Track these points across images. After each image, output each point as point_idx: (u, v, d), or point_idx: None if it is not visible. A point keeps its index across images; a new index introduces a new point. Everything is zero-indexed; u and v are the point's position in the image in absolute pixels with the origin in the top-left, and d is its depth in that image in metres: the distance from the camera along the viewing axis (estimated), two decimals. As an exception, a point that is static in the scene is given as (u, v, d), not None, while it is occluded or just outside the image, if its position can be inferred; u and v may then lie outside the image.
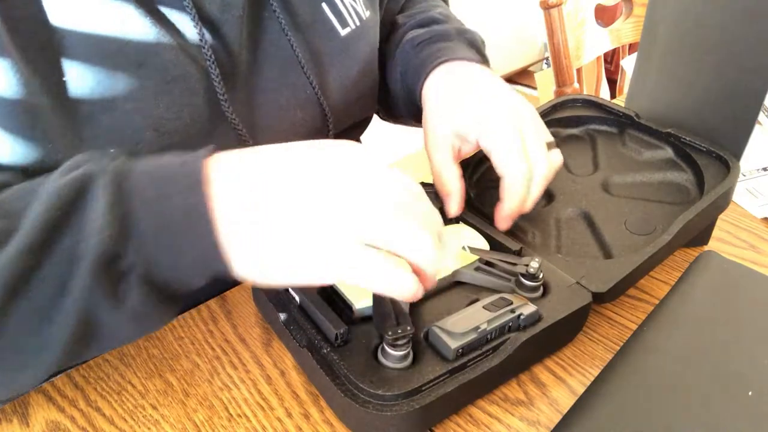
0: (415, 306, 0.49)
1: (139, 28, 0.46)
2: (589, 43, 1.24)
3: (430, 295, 0.50)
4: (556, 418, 0.42)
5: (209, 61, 0.49)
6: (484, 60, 0.65)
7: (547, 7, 1.15)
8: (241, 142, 0.53)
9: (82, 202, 0.36)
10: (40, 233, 0.35)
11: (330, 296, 0.49)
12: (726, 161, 0.60)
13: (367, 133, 0.79)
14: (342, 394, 0.41)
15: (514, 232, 0.55)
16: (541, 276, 0.49)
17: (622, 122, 0.69)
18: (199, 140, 0.50)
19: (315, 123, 0.59)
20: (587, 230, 0.58)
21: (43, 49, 0.43)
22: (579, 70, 1.26)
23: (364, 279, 0.36)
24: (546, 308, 0.47)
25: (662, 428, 0.38)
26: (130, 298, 0.36)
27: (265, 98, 0.55)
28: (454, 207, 0.55)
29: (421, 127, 0.62)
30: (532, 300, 0.47)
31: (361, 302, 0.47)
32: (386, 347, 0.43)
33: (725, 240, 0.63)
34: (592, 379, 0.42)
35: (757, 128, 0.74)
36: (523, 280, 0.49)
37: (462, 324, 0.44)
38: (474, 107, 0.55)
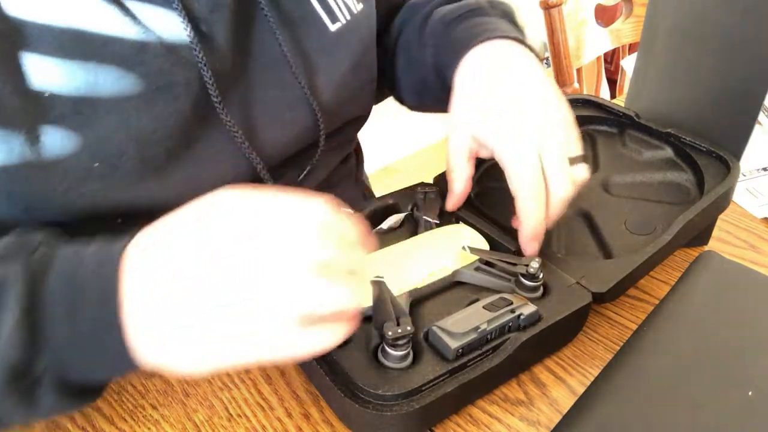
0: (415, 306, 0.49)
1: (122, 28, 0.45)
2: (589, 43, 1.24)
3: (430, 295, 0.50)
4: (556, 418, 0.42)
5: (201, 63, 0.48)
6: (519, 31, 0.62)
7: (547, 7, 1.15)
8: (236, 147, 0.52)
9: None
10: None
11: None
12: (726, 161, 0.60)
13: (367, 133, 0.78)
14: (342, 394, 0.41)
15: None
16: (541, 276, 0.49)
17: (622, 122, 0.69)
18: (186, 149, 0.49)
19: (305, 123, 0.58)
20: (587, 230, 0.58)
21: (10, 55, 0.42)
22: (579, 70, 1.26)
23: (290, 351, 0.35)
24: (546, 308, 0.47)
25: (662, 428, 0.38)
26: (45, 400, 0.37)
27: (255, 99, 0.54)
28: (451, 204, 0.56)
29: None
30: (532, 300, 0.47)
31: (361, 302, 0.47)
32: (386, 347, 0.43)
33: (725, 240, 0.63)
34: (592, 379, 0.42)
35: (757, 128, 0.74)
36: (523, 280, 0.49)
37: (462, 324, 0.44)
38: (496, 115, 0.53)
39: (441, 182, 0.61)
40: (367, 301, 0.44)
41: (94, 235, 0.48)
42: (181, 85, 0.47)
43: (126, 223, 0.49)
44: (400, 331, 0.42)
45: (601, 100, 0.71)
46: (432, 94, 0.68)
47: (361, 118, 0.68)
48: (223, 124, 0.51)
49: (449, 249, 0.52)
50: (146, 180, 0.48)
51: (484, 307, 0.46)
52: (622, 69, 1.51)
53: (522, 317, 0.45)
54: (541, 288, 0.49)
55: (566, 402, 0.47)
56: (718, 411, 0.39)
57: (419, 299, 0.49)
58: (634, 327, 0.49)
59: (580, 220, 0.59)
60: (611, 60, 2.19)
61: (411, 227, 0.58)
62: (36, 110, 0.43)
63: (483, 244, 0.53)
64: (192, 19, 0.48)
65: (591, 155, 0.67)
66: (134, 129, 0.46)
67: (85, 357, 0.37)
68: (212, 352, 0.35)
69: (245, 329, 0.34)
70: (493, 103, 0.53)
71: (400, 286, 0.48)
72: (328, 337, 0.35)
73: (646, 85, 0.67)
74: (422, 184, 0.61)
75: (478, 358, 0.44)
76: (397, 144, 2.58)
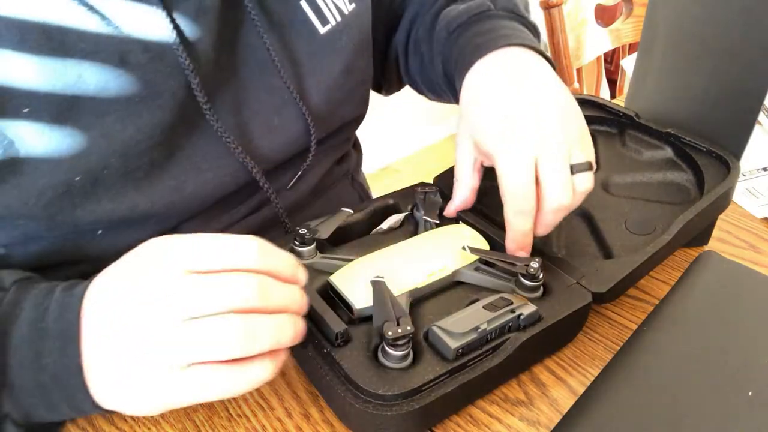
0: (415, 306, 0.49)
1: (98, 30, 0.44)
2: (589, 43, 1.24)
3: (430, 295, 0.50)
4: (556, 418, 0.42)
5: (188, 69, 0.47)
6: (527, 29, 0.61)
7: (547, 7, 1.15)
8: (227, 152, 0.51)
9: None
10: None
11: (330, 296, 0.49)
12: (726, 161, 0.60)
13: (367, 133, 0.78)
14: (342, 394, 0.41)
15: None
16: (541, 276, 0.49)
17: (622, 122, 0.69)
18: (171, 158, 0.49)
19: (296, 128, 0.57)
20: (587, 230, 0.58)
21: None
22: (579, 70, 1.26)
23: (224, 390, 0.36)
24: (546, 308, 0.47)
25: (662, 428, 0.38)
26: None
27: (244, 105, 0.53)
28: (451, 209, 0.57)
29: None
30: (532, 300, 0.47)
31: (361, 302, 0.47)
32: (386, 347, 0.43)
33: (725, 240, 0.63)
34: (592, 379, 0.42)
35: (757, 128, 0.74)
36: (523, 280, 0.49)
37: (462, 324, 0.44)
38: (497, 123, 0.51)
39: (441, 182, 0.61)
40: (338, 325, 0.44)
41: (73, 245, 0.48)
42: (166, 94, 0.46)
43: (106, 234, 0.49)
44: (400, 331, 0.42)
45: (601, 100, 0.71)
46: (446, 96, 0.69)
47: (356, 120, 0.67)
48: (213, 130, 0.50)
49: (449, 249, 0.52)
50: (129, 191, 0.47)
51: (484, 307, 0.46)
52: (622, 69, 1.51)
53: (522, 317, 0.45)
54: (541, 288, 0.49)
55: (566, 402, 0.47)
56: (718, 411, 0.39)
57: (419, 299, 0.49)
58: (634, 327, 0.49)
59: (580, 220, 0.59)
60: (611, 60, 2.19)
61: (411, 227, 0.58)
62: (6, 109, 0.42)
63: (483, 244, 0.53)
64: (177, 25, 0.47)
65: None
66: (117, 141, 0.45)
67: (48, 401, 0.38)
68: (156, 393, 0.36)
69: (176, 372, 0.35)
70: (496, 112, 0.52)
71: (400, 286, 0.48)
72: (259, 374, 0.36)
73: (646, 85, 0.67)
74: (422, 184, 0.61)
75: (478, 358, 0.44)
76: (397, 144, 2.58)
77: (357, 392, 0.41)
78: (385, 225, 0.58)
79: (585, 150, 0.51)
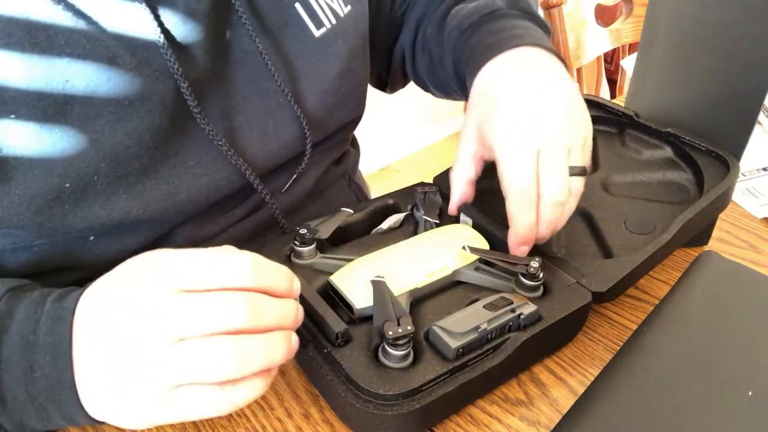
0: (415, 306, 0.49)
1: (95, 33, 0.43)
2: (589, 43, 1.24)
3: (430, 295, 0.50)
4: (556, 418, 0.42)
5: (177, 74, 0.46)
6: (538, 27, 0.61)
7: (547, 7, 1.15)
8: (220, 155, 0.51)
9: None
10: None
11: (330, 296, 0.49)
12: (726, 161, 0.60)
13: (367, 133, 0.78)
14: (342, 394, 0.41)
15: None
16: (541, 276, 0.49)
17: (622, 122, 0.69)
18: (163, 163, 0.48)
19: (291, 132, 0.56)
20: (587, 230, 0.58)
21: None
22: (579, 70, 1.26)
23: (211, 409, 0.36)
24: (546, 308, 0.47)
25: (662, 428, 0.38)
26: None
27: (237, 109, 0.52)
28: (452, 206, 0.56)
29: None
30: (532, 300, 0.47)
31: (361, 302, 0.47)
32: (387, 347, 0.43)
33: (725, 240, 0.63)
34: (592, 379, 0.42)
35: (757, 128, 0.74)
36: (523, 279, 0.49)
37: (462, 323, 0.44)
38: (505, 124, 0.51)
39: (441, 182, 0.61)
40: (338, 325, 0.44)
41: (64, 252, 0.48)
42: (155, 98, 0.46)
43: (98, 241, 0.48)
44: (400, 330, 0.42)
45: (601, 100, 0.71)
46: (455, 94, 0.68)
47: (353, 122, 0.67)
48: (205, 134, 0.49)
49: (449, 249, 0.52)
50: (120, 197, 0.47)
51: (484, 307, 0.46)
52: (622, 69, 1.51)
53: (522, 317, 0.45)
54: (541, 288, 0.49)
55: (566, 402, 0.47)
56: (718, 411, 0.39)
57: (419, 299, 0.49)
58: (634, 327, 0.49)
59: (580, 220, 0.59)
60: (611, 60, 2.19)
61: (411, 227, 0.58)
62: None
63: (483, 244, 0.53)
64: (165, 28, 0.46)
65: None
66: (107, 146, 0.45)
67: (41, 413, 0.38)
68: (146, 409, 0.36)
69: (166, 390, 0.35)
70: (505, 110, 0.52)
71: (400, 286, 0.48)
72: (250, 393, 0.36)
73: (646, 85, 0.67)
74: (422, 184, 0.61)
75: (479, 358, 0.44)
76: (397, 144, 2.58)
77: (357, 392, 0.41)
78: (385, 225, 0.58)
79: (584, 153, 0.52)
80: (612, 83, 1.99)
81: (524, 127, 0.50)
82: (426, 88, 0.76)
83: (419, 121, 2.64)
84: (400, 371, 0.42)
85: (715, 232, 0.62)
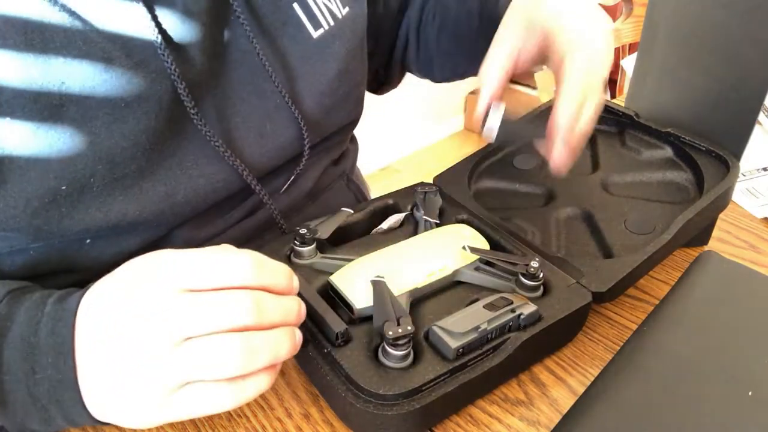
0: (415, 306, 0.49)
1: (90, 34, 0.43)
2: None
3: (430, 295, 0.50)
4: (556, 418, 0.42)
5: (174, 74, 0.46)
6: None
7: (547, 7, 1.14)
8: (218, 157, 0.51)
9: None
10: None
11: (330, 296, 0.49)
12: (726, 161, 0.60)
13: (368, 133, 0.78)
14: (342, 394, 0.41)
15: (515, 232, 0.55)
16: (541, 276, 0.49)
17: (622, 122, 0.69)
18: (160, 165, 0.48)
19: (289, 134, 0.56)
20: (587, 230, 0.58)
21: None
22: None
23: (218, 405, 0.37)
24: (546, 308, 0.47)
25: (662, 428, 0.38)
26: None
27: (234, 110, 0.52)
28: (483, 100, 0.55)
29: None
30: (532, 300, 0.47)
31: (361, 302, 0.47)
32: (387, 347, 0.43)
33: (725, 240, 0.63)
34: (592, 379, 0.42)
35: (757, 128, 0.74)
36: (523, 279, 0.49)
37: (462, 323, 0.44)
38: (580, 25, 0.53)
39: (441, 182, 0.61)
40: (338, 325, 0.44)
41: (61, 255, 0.48)
42: (152, 99, 0.46)
43: (95, 243, 0.48)
44: (400, 330, 0.42)
45: (601, 100, 0.71)
46: (466, 61, 0.69)
47: (351, 123, 0.67)
48: (202, 135, 0.49)
49: (449, 249, 0.52)
50: (117, 199, 0.46)
51: (484, 307, 0.46)
52: (622, 69, 1.51)
53: (522, 317, 0.45)
54: (541, 288, 0.49)
55: (566, 402, 0.47)
56: (718, 411, 0.39)
57: (419, 299, 0.49)
58: (634, 327, 0.49)
59: (580, 219, 0.59)
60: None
61: (411, 227, 0.58)
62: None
63: (483, 244, 0.53)
64: (162, 28, 0.46)
65: (591, 155, 0.68)
66: (103, 147, 0.44)
67: (43, 415, 0.38)
68: (151, 408, 0.36)
69: (172, 389, 0.35)
70: (577, 14, 0.54)
71: (400, 286, 0.48)
72: (256, 387, 0.37)
73: (646, 85, 0.67)
74: (422, 184, 0.61)
75: (479, 358, 0.44)
76: (397, 144, 2.58)
77: (357, 392, 0.41)
78: (385, 225, 0.58)
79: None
80: (612, 83, 1.99)
81: (594, 40, 0.52)
82: (428, 70, 0.76)
83: (419, 121, 2.64)
84: (400, 371, 0.42)
85: (715, 232, 0.62)
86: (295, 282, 0.40)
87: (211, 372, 0.35)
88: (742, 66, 0.58)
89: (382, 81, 0.79)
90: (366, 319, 0.47)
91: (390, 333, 0.42)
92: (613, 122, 0.70)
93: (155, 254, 0.38)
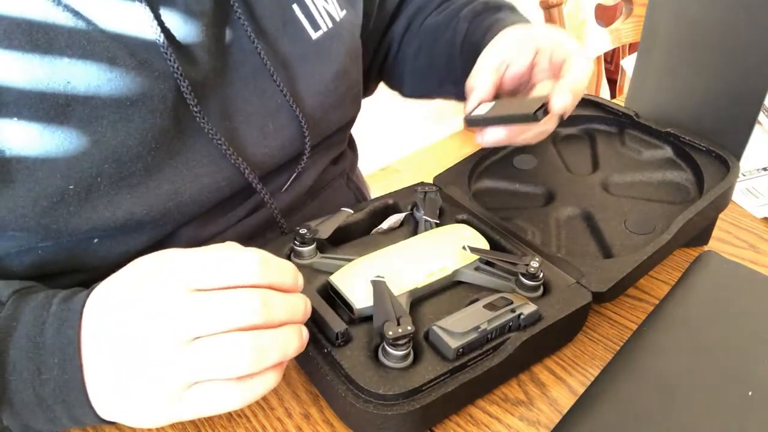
0: (415, 306, 0.49)
1: (95, 34, 0.43)
2: (589, 43, 1.24)
3: (430, 295, 0.50)
4: (556, 418, 0.42)
5: (177, 73, 0.46)
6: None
7: (547, 7, 1.15)
8: (221, 155, 0.51)
9: None
10: None
11: (330, 296, 0.49)
12: (726, 161, 0.60)
13: (367, 133, 0.78)
14: (342, 393, 0.41)
15: (515, 232, 0.55)
16: (541, 276, 0.49)
17: (622, 122, 0.69)
18: (167, 163, 0.48)
19: (290, 132, 0.57)
20: (587, 230, 0.58)
21: None
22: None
23: (226, 405, 0.37)
24: (546, 308, 0.47)
25: (662, 428, 0.38)
26: None
27: (236, 109, 0.53)
28: (470, 104, 0.57)
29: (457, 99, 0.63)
30: (532, 300, 0.47)
31: (361, 302, 0.47)
32: (387, 347, 0.43)
33: (725, 240, 0.63)
34: (592, 379, 0.42)
35: (757, 128, 0.74)
36: (523, 279, 0.49)
37: (462, 323, 0.44)
38: (562, 37, 0.58)
39: (441, 182, 0.61)
40: (338, 325, 0.44)
41: (69, 255, 0.48)
42: (156, 98, 0.46)
43: (102, 242, 0.48)
44: (400, 330, 0.42)
45: (600, 100, 0.71)
46: (442, 75, 0.71)
47: (349, 123, 0.67)
48: (205, 133, 0.50)
49: (449, 249, 0.52)
50: (124, 198, 0.47)
51: (484, 307, 0.46)
52: (622, 69, 1.51)
53: (522, 317, 0.45)
54: (541, 288, 0.49)
55: (566, 402, 0.47)
56: (718, 411, 0.39)
57: (419, 299, 0.49)
58: (634, 327, 0.49)
59: (580, 219, 0.59)
60: (611, 60, 2.19)
61: (411, 227, 0.58)
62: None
63: (483, 244, 0.53)
64: (165, 27, 0.47)
65: (591, 155, 0.68)
66: (110, 146, 0.45)
67: (49, 414, 0.38)
68: (158, 408, 0.36)
69: (180, 389, 0.35)
70: (554, 31, 0.58)
71: (400, 286, 0.48)
72: (264, 385, 0.37)
73: (646, 85, 0.67)
74: (422, 184, 0.61)
75: (479, 358, 0.44)
76: (397, 144, 2.58)
77: (358, 392, 0.41)
78: (385, 225, 0.58)
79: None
80: (612, 83, 1.99)
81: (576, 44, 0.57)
82: (399, 84, 0.78)
83: (419, 121, 2.63)
84: (400, 371, 0.42)
85: (715, 232, 0.62)
86: (300, 280, 0.40)
87: (221, 371, 0.35)
88: (742, 66, 0.58)
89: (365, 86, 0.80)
90: (366, 319, 0.47)
91: (390, 333, 0.42)
92: (613, 122, 0.70)
93: (160, 254, 0.38)
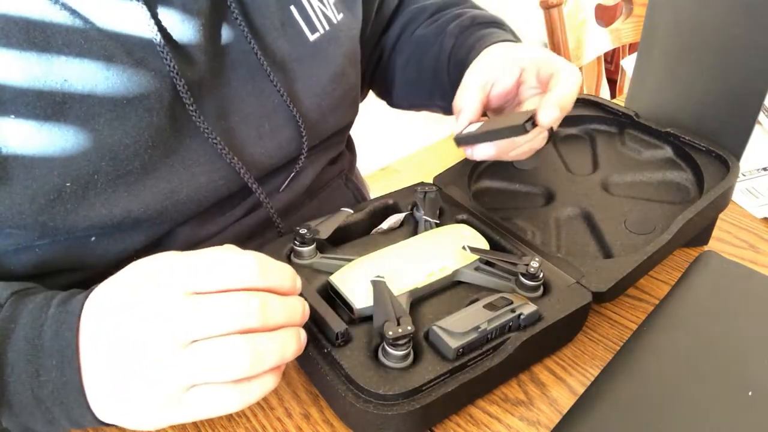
0: (415, 306, 0.49)
1: (91, 32, 0.43)
2: (589, 43, 1.24)
3: (430, 295, 0.50)
4: (556, 418, 0.42)
5: (173, 72, 0.46)
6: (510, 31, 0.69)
7: (547, 7, 1.15)
8: (217, 155, 0.51)
9: None
10: None
11: (330, 296, 0.49)
12: (726, 161, 0.60)
13: (367, 133, 0.78)
14: (343, 393, 0.41)
15: (515, 232, 0.55)
16: (541, 276, 0.49)
17: (622, 122, 0.69)
18: (163, 161, 0.48)
19: (286, 133, 0.57)
20: (587, 230, 0.58)
21: None
22: (579, 70, 1.26)
23: (223, 407, 0.36)
24: (546, 308, 0.47)
25: (662, 428, 0.38)
26: None
27: (233, 109, 0.53)
28: (459, 125, 0.56)
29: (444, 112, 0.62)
30: (532, 300, 0.47)
31: (361, 302, 0.47)
32: (387, 347, 0.43)
33: (725, 240, 0.63)
34: (592, 379, 0.42)
35: (757, 128, 0.74)
36: (523, 279, 0.49)
37: (462, 323, 0.44)
38: (548, 55, 0.58)
39: (441, 182, 0.61)
40: (338, 325, 0.44)
41: (66, 253, 0.48)
42: (153, 98, 0.46)
43: (99, 241, 0.48)
44: (400, 330, 0.42)
45: (600, 100, 0.71)
46: (430, 88, 0.71)
47: (347, 126, 0.67)
48: (201, 133, 0.50)
49: (449, 249, 0.52)
50: (122, 196, 0.47)
51: (484, 307, 0.46)
52: (622, 69, 1.51)
53: (522, 317, 0.45)
54: (541, 288, 0.49)
55: (566, 402, 0.47)
56: (718, 411, 0.39)
57: (419, 299, 0.49)
58: (634, 327, 0.49)
59: (580, 219, 0.59)
60: (611, 60, 2.19)
61: (411, 227, 0.58)
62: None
63: (483, 244, 0.53)
64: (162, 26, 0.47)
65: (591, 155, 0.68)
66: (106, 144, 0.45)
67: (47, 416, 0.38)
68: (156, 411, 0.36)
69: (178, 392, 0.35)
70: (538, 50, 0.58)
71: (400, 286, 0.48)
72: (262, 388, 0.37)
73: (646, 85, 0.67)
74: (422, 184, 0.61)
75: (479, 358, 0.44)
76: (397, 144, 2.58)
77: (358, 392, 0.41)
78: (385, 225, 0.58)
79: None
80: (612, 83, 1.99)
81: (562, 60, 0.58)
82: (387, 93, 0.78)
83: (419, 121, 2.63)
84: (400, 371, 0.42)
85: (715, 232, 0.62)
86: (298, 282, 0.40)
87: (219, 375, 0.35)
88: (742, 66, 0.58)
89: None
90: (366, 319, 0.47)
91: (390, 333, 0.42)
92: (613, 122, 0.70)
93: (158, 256, 0.38)
